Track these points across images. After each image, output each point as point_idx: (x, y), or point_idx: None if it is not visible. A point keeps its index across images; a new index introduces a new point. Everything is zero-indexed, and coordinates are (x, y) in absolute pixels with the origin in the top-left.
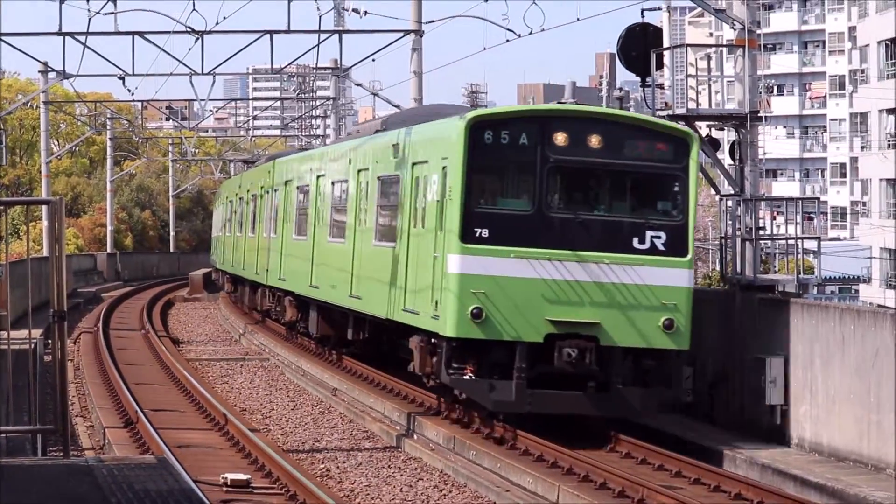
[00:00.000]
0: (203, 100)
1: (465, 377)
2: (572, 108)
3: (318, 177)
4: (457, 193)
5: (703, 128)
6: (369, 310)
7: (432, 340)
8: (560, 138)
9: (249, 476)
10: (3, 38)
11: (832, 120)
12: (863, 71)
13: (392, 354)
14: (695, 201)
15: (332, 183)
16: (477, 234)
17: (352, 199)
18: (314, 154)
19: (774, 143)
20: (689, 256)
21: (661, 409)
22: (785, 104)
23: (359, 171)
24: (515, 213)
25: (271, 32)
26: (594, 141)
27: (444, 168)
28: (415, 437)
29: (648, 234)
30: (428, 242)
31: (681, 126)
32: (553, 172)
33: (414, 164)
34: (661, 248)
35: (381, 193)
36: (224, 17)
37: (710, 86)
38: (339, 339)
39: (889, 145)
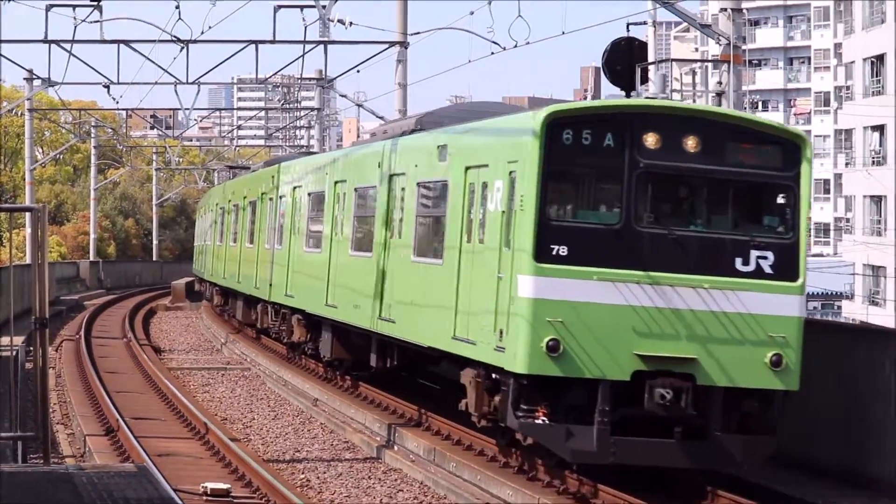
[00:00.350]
0: (188, 109)
1: (536, 421)
2: (666, 104)
3: (335, 182)
4: (530, 203)
5: None
6: (405, 336)
7: (493, 376)
8: (651, 140)
9: (230, 485)
10: None
11: (817, 136)
12: (848, 87)
13: (414, 381)
14: (806, 216)
15: (356, 190)
16: (554, 252)
17: (381, 209)
18: (331, 157)
19: None
20: (801, 281)
21: (765, 461)
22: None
23: (391, 176)
24: (599, 227)
25: (256, 42)
26: (691, 143)
27: (510, 173)
28: (395, 448)
29: (753, 253)
30: (488, 261)
31: (792, 127)
32: (643, 180)
33: (468, 168)
34: (769, 270)
35: (422, 202)
36: (209, 27)
37: (694, 100)
38: (354, 363)
39: (873, 162)
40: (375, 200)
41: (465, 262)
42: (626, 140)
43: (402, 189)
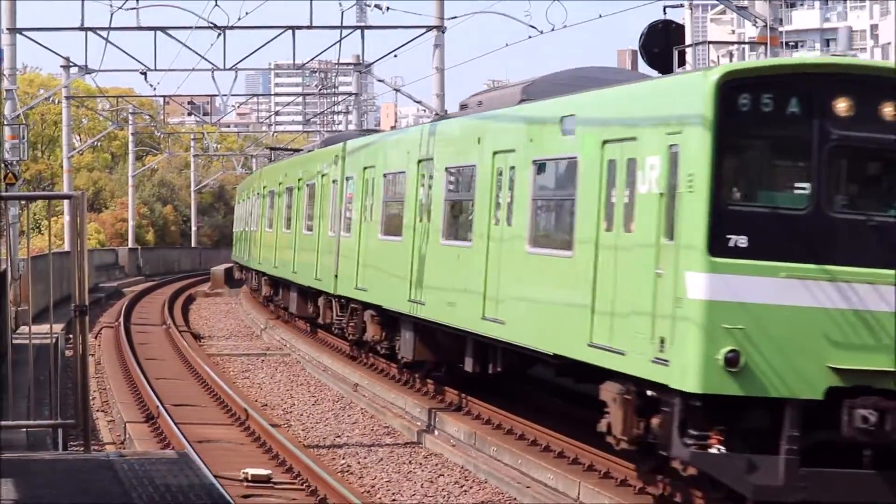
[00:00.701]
0: (225, 95)
1: (710, 450)
2: (859, 62)
3: (420, 161)
4: (702, 184)
5: None
6: (518, 340)
7: (648, 393)
8: (844, 106)
9: (270, 471)
10: (25, 32)
11: None
12: None
13: (513, 387)
14: None
15: (447, 170)
16: (731, 244)
17: (483, 192)
18: (414, 134)
19: None
20: None
21: None
22: None
23: (495, 153)
24: (785, 212)
25: (293, 28)
26: (889, 111)
27: (671, 147)
28: (436, 432)
29: None
30: (640, 254)
31: None
32: (836, 155)
33: (606, 142)
34: None
35: (540, 183)
36: (246, 13)
37: None
38: (440, 366)
39: None
40: (474, 182)
41: (604, 254)
42: (814, 106)
43: (511, 168)
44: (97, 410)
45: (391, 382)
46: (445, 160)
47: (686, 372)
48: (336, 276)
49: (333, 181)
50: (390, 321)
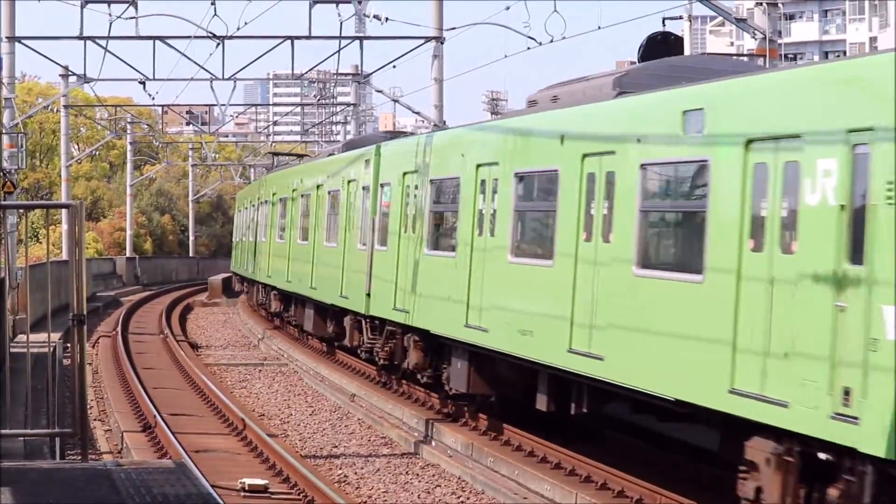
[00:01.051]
0: (223, 105)
1: None
2: None
3: (478, 166)
4: None
5: None
6: (624, 379)
7: (821, 456)
8: None
9: (267, 481)
10: (24, 41)
11: None
12: None
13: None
14: None
15: (517, 176)
16: None
17: (568, 200)
18: (471, 134)
19: None
20: None
21: None
22: None
23: (585, 156)
24: None
25: (292, 38)
26: None
27: (855, 148)
28: (433, 443)
29: None
30: (811, 281)
31: None
32: None
33: (750, 142)
34: None
35: (652, 190)
36: (245, 23)
37: None
38: (499, 400)
39: None
40: (557, 190)
41: (751, 281)
42: None
43: (610, 173)
44: (94, 419)
45: (388, 393)
46: (515, 164)
47: (885, 433)
48: (368, 294)
49: (364, 188)
50: (435, 347)
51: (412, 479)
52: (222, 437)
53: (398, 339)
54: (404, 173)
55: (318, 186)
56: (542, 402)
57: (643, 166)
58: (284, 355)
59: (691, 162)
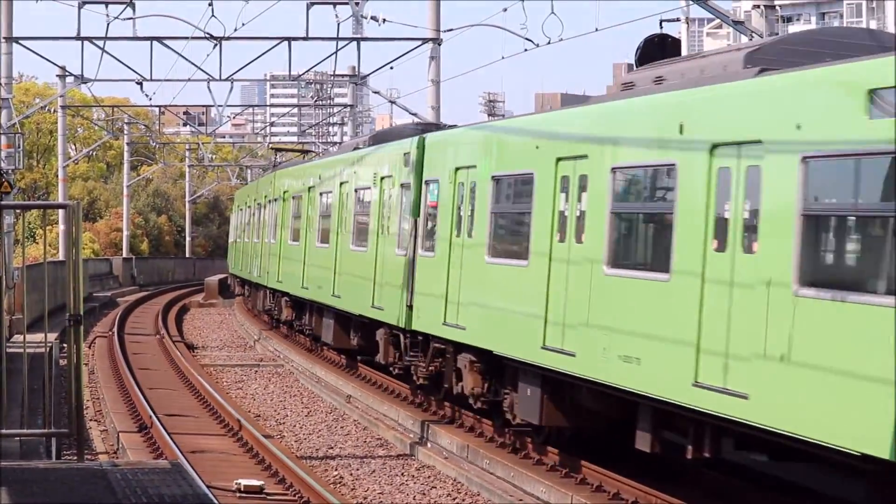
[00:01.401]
0: (220, 105)
1: None
2: None
3: (558, 160)
4: None
5: None
6: (779, 424)
7: None
8: None
9: (263, 482)
10: (21, 41)
11: None
12: None
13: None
14: None
15: (616, 171)
16: None
17: (692, 202)
18: (549, 119)
19: None
20: None
21: None
22: None
23: (715, 146)
24: None
25: (290, 39)
26: None
27: None
28: (428, 444)
29: None
30: None
31: None
32: None
33: None
34: None
35: (817, 186)
36: (243, 24)
37: None
38: (574, 431)
39: None
40: (674, 187)
41: None
42: None
43: (752, 167)
44: (90, 420)
45: (384, 394)
46: (615, 157)
47: None
48: (410, 306)
49: (403, 185)
50: (495, 369)
51: (408, 481)
52: (218, 438)
53: (449, 359)
54: (457, 168)
55: (341, 184)
56: (643, 442)
57: (805, 160)
58: (280, 356)
59: (871, 154)
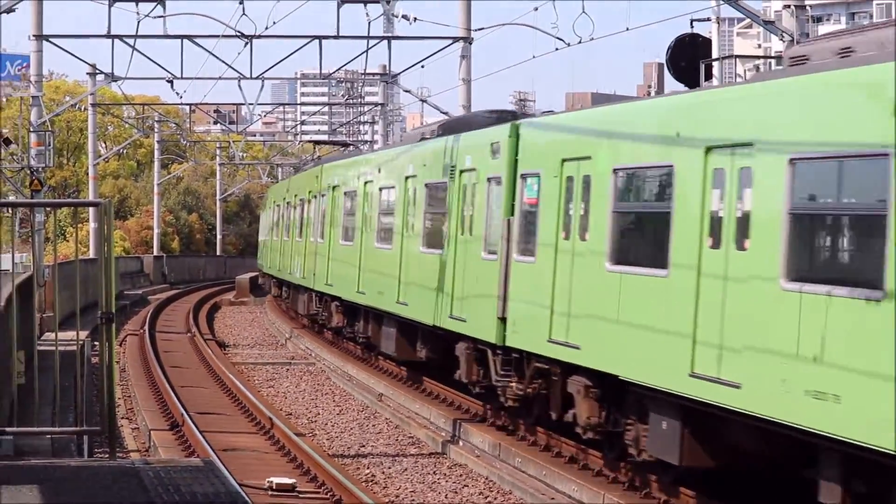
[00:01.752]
0: (251, 104)
1: None
2: None
3: (708, 150)
4: None
5: None
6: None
7: None
8: None
9: (295, 480)
10: (51, 39)
11: None
12: None
13: None
14: None
15: (793, 163)
16: None
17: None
18: (683, 103)
19: None
20: None
21: None
22: None
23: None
24: None
25: (320, 38)
26: None
27: None
28: (460, 443)
29: None
30: None
31: None
32: None
33: None
34: None
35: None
36: (273, 22)
37: None
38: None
39: None
40: (888, 180)
41: None
42: None
43: None
44: (122, 418)
45: (416, 393)
46: (794, 144)
47: None
48: (503, 318)
49: (490, 180)
50: (613, 397)
51: (439, 479)
52: (250, 436)
53: (556, 382)
54: (563, 160)
55: (406, 178)
56: (830, 494)
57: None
58: (312, 354)
59: None
